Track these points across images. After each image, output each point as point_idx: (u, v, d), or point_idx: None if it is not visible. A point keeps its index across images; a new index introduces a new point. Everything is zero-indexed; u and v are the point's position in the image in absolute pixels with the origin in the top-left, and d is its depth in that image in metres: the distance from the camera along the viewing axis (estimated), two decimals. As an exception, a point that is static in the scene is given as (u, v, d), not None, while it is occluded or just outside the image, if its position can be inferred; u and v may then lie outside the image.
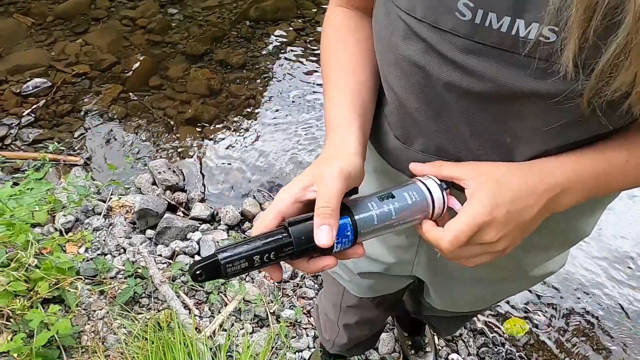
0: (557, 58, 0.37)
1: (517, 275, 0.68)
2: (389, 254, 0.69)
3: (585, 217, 0.59)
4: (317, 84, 2.45)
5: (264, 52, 2.63)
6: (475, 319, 1.58)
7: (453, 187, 0.47)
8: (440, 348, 1.49)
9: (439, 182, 0.47)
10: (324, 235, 0.40)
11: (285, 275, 1.61)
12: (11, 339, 1.23)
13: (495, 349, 1.52)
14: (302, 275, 1.63)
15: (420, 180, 0.47)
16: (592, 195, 0.46)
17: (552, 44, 0.36)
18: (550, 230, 0.57)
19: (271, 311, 1.50)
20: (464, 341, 1.52)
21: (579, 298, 1.68)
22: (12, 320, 1.28)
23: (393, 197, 0.45)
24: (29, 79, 2.35)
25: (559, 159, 0.45)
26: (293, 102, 2.37)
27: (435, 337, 1.49)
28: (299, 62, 2.57)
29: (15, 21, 2.69)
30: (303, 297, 1.57)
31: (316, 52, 2.62)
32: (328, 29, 0.57)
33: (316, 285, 1.62)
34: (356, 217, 0.44)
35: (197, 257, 1.65)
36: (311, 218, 0.42)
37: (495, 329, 1.58)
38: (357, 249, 0.45)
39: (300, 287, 1.60)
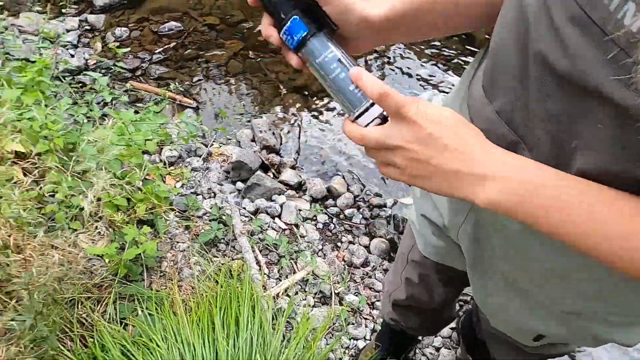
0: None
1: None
2: (444, 207, 0.69)
3: None
4: (439, 73, 2.34)
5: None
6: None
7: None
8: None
9: (382, 116, 0.47)
10: None
11: (357, 261, 1.58)
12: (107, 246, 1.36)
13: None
14: (373, 266, 1.59)
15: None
16: (525, 212, 0.41)
17: None
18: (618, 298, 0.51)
19: (336, 292, 1.48)
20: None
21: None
22: (111, 229, 1.41)
23: (348, 69, 0.47)
24: (166, 21, 2.55)
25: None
26: (409, 91, 2.29)
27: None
28: (426, 52, 2.48)
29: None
30: (370, 288, 1.54)
31: (445, 42, 2.50)
32: None
33: (385, 280, 1.57)
34: (312, 38, 0.47)
35: (277, 220, 1.68)
36: None
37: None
38: (293, 57, 0.50)
39: (370, 277, 1.56)
